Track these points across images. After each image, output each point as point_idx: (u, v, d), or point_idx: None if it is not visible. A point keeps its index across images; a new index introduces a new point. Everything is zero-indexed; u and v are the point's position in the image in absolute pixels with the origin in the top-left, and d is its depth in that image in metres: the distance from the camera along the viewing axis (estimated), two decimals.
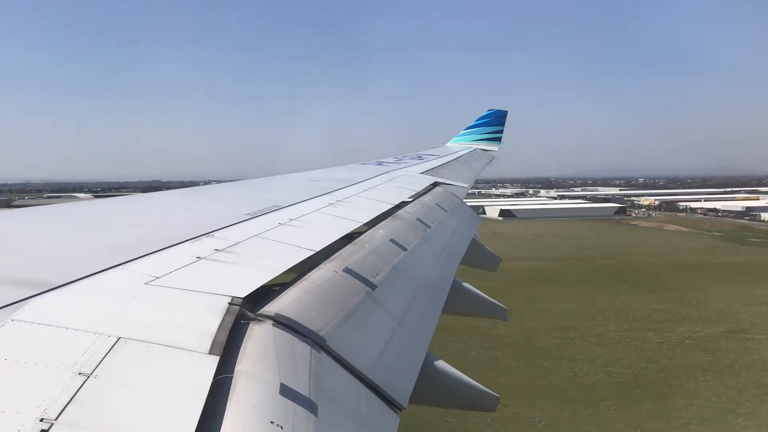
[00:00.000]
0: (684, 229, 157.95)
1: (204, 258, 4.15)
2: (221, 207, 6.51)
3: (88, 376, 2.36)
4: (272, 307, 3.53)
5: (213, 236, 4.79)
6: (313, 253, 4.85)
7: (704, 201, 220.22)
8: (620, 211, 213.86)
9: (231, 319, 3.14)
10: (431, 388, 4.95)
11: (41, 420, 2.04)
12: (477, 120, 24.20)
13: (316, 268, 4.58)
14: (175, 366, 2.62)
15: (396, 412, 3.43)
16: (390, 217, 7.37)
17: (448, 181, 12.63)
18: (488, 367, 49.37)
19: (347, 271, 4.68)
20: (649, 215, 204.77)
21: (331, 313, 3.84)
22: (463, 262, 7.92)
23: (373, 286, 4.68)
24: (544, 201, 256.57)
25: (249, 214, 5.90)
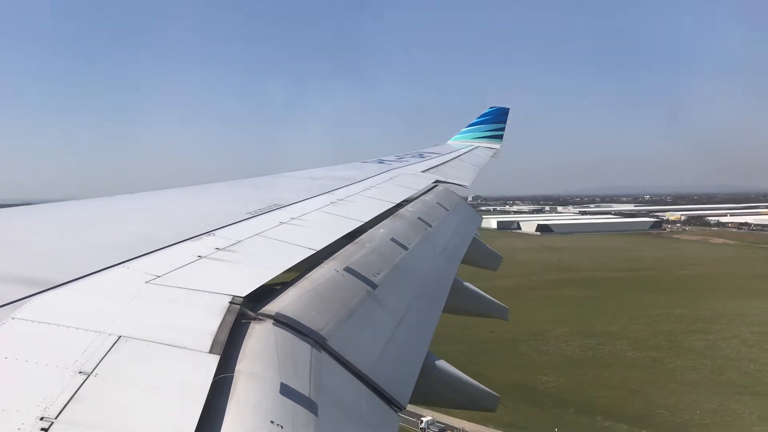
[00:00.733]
0: (731, 242, 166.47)
1: (205, 257, 4.14)
2: (222, 205, 6.50)
3: (89, 375, 2.36)
4: (273, 307, 3.53)
5: (214, 235, 4.79)
6: (314, 252, 4.85)
7: (730, 215, 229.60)
8: (655, 225, 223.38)
9: (232, 318, 3.14)
10: (432, 388, 4.95)
11: (41, 419, 2.04)
12: (478, 117, 24.11)
13: (317, 268, 4.58)
14: (175, 365, 2.62)
15: (396, 411, 3.43)
16: (391, 216, 7.36)
17: (449, 180, 12.61)
18: (654, 366, 61.98)
19: (348, 270, 4.68)
20: (684, 229, 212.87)
21: (331, 312, 3.84)
22: (464, 261, 7.90)
23: (374, 286, 4.67)
24: (576, 216, 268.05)
25: (250, 212, 5.90)
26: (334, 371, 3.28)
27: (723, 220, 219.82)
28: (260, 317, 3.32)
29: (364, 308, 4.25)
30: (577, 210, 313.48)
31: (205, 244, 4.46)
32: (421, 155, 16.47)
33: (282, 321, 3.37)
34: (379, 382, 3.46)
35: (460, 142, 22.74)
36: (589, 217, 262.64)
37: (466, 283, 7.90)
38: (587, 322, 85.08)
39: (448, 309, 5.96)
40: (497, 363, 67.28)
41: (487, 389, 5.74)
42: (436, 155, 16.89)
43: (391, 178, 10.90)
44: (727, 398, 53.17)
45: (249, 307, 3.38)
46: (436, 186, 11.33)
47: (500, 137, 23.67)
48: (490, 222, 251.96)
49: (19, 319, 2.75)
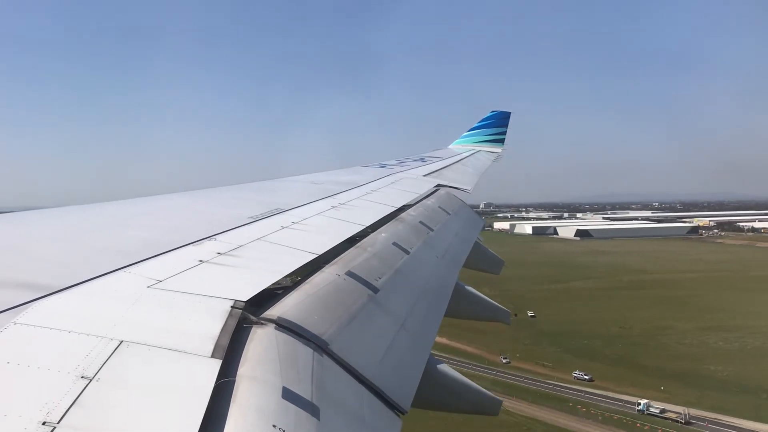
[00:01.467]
0: None
1: (206, 261, 4.15)
2: (224, 210, 6.51)
3: (91, 380, 2.36)
4: (275, 311, 3.52)
5: (215, 239, 4.79)
6: (315, 256, 4.85)
7: (759, 221, 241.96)
8: (693, 230, 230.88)
9: (233, 322, 3.14)
10: (434, 392, 4.93)
11: (44, 423, 2.04)
12: (480, 121, 24.12)
13: (319, 272, 4.58)
14: (177, 369, 2.62)
15: (398, 415, 3.42)
16: (393, 220, 7.36)
17: (451, 184, 12.60)
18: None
19: (350, 274, 4.68)
20: (720, 234, 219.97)
21: (333, 316, 3.84)
22: (466, 266, 7.89)
23: (375, 290, 4.67)
24: (608, 222, 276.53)
25: (251, 217, 5.90)
26: (336, 375, 3.27)
27: (756, 225, 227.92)
28: (262, 321, 3.32)
29: (365, 312, 4.24)
30: (600, 216, 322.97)
31: (207, 249, 4.46)
32: (422, 159, 16.47)
33: (284, 325, 3.36)
34: (381, 386, 3.45)
35: (461, 146, 22.73)
36: (623, 222, 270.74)
37: (468, 287, 7.89)
38: (702, 318, 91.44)
39: (451, 313, 5.95)
40: (652, 355, 73.66)
41: (489, 393, 5.73)
42: (438, 159, 16.89)
43: (392, 183, 10.90)
44: None
45: (251, 312, 3.38)
46: (437, 190, 11.33)
47: (501, 141, 23.66)
48: (525, 227, 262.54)
49: (22, 324, 2.75)
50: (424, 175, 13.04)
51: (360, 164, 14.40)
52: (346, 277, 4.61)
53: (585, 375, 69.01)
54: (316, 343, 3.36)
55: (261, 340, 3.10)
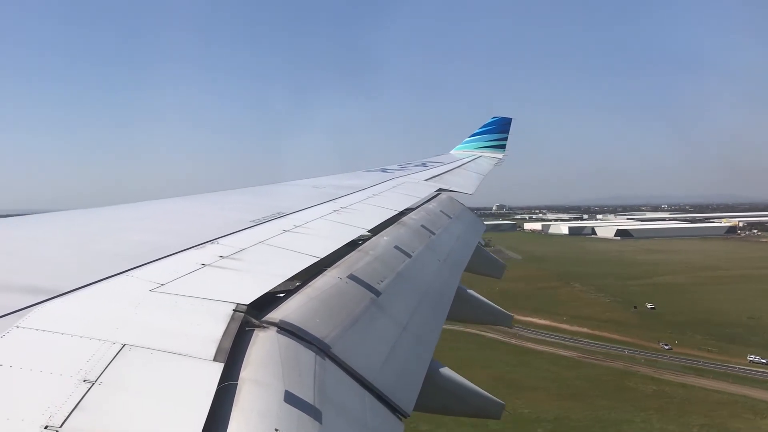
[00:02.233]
0: None
1: (209, 265, 4.15)
2: (226, 214, 6.52)
3: (93, 383, 2.36)
4: (277, 314, 3.52)
5: (218, 243, 4.80)
6: (317, 259, 4.85)
7: None
8: (730, 230, 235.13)
9: (235, 326, 3.14)
10: (436, 395, 4.92)
11: (46, 427, 2.04)
12: (481, 127, 24.15)
13: (321, 275, 4.58)
14: (179, 373, 2.62)
15: (400, 419, 3.41)
16: (394, 224, 7.36)
17: (452, 188, 12.61)
18: None
19: (352, 277, 4.68)
20: (757, 234, 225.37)
21: (335, 319, 3.83)
22: (467, 270, 7.89)
23: (377, 293, 4.67)
24: (648, 223, 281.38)
25: (253, 221, 5.91)
26: (338, 379, 3.27)
27: None
28: (264, 325, 3.32)
29: (367, 316, 4.24)
30: (625, 217, 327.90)
31: (209, 253, 4.46)
32: (424, 164, 16.48)
33: (286, 328, 3.36)
34: (384, 389, 3.45)
35: (462, 151, 22.76)
36: (659, 222, 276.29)
37: (470, 291, 7.89)
38: None
39: (453, 316, 5.95)
40: None
41: (492, 397, 5.71)
42: (439, 164, 16.90)
43: (394, 187, 10.90)
44: None
45: (253, 315, 3.38)
46: (439, 194, 11.34)
47: (503, 147, 23.70)
48: (560, 228, 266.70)
49: (24, 328, 2.75)
50: (426, 180, 13.05)
51: (362, 168, 14.42)
52: (348, 280, 4.61)
53: (762, 359, 71.84)
54: (319, 347, 3.36)
55: (263, 344, 3.10)
